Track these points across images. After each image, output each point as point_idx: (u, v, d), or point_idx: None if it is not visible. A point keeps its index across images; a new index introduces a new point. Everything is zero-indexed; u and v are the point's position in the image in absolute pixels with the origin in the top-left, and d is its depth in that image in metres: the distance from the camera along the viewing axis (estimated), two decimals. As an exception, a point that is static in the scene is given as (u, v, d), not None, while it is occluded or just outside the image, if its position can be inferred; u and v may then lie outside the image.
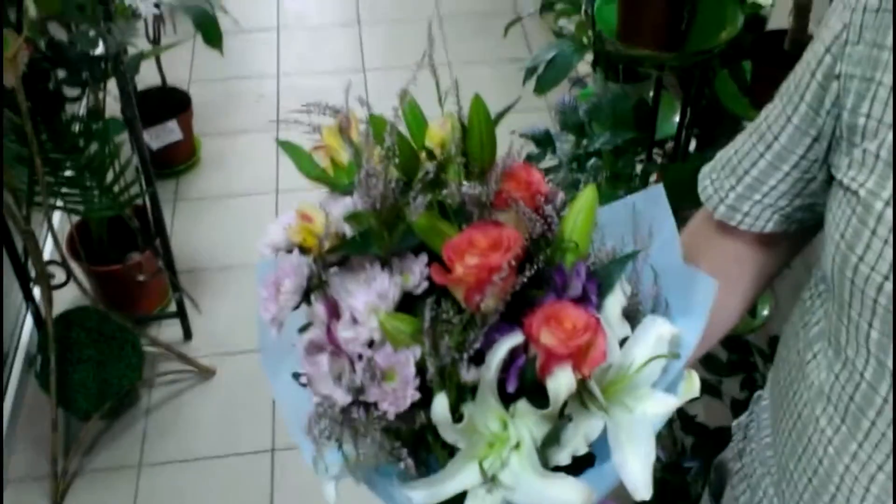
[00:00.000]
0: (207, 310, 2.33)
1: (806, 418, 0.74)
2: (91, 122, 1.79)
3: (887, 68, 0.62)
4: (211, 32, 1.93)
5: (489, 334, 0.60)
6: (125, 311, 2.11)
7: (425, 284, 0.60)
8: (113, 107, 1.92)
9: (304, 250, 0.63)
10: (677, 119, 1.60)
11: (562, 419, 0.61)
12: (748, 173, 0.76)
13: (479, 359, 0.60)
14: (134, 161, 1.92)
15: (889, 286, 0.62)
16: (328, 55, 3.25)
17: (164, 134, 2.63)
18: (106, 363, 1.99)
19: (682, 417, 1.46)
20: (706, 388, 1.42)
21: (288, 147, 0.65)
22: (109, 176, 1.89)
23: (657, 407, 0.65)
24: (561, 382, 0.59)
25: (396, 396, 0.58)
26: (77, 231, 2.09)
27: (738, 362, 1.39)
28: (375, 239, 0.60)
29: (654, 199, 0.71)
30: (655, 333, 0.66)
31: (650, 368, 0.65)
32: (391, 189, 0.58)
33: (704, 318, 0.65)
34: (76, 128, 1.80)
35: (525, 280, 0.59)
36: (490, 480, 0.61)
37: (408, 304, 0.61)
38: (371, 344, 0.59)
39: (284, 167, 2.77)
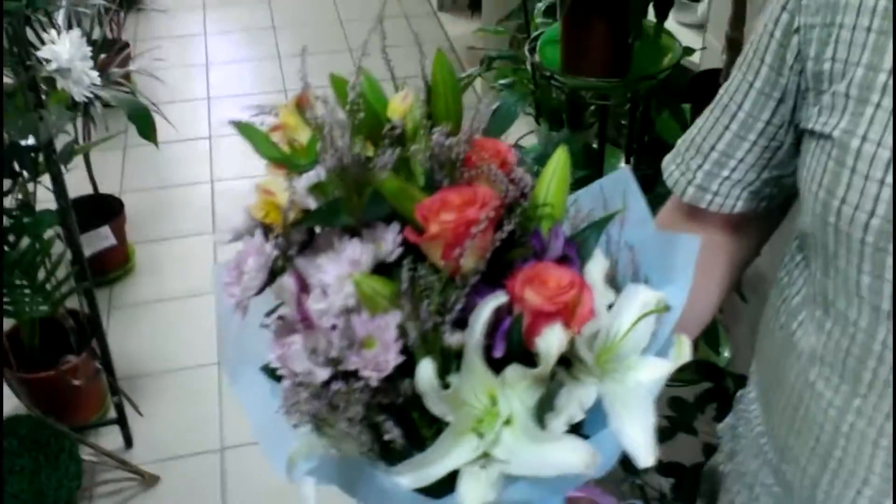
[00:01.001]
0: (149, 414, 2.22)
1: (801, 388, 0.71)
2: (23, 216, 1.73)
3: (847, 10, 0.63)
4: (145, 125, 1.91)
5: (470, 298, 0.56)
6: (62, 420, 1.99)
7: (399, 251, 0.57)
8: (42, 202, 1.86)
9: (266, 231, 0.59)
10: (622, 163, 1.62)
11: (553, 382, 0.58)
12: (714, 149, 0.76)
13: (462, 324, 0.56)
14: (67, 256, 1.85)
15: (876, 222, 0.61)
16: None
17: (97, 240, 2.56)
18: (41, 473, 1.87)
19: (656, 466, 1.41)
20: (676, 427, 1.39)
21: (244, 128, 0.62)
22: (41, 274, 1.82)
23: (651, 373, 0.61)
24: (552, 340, 0.56)
25: (378, 361, 0.53)
26: (7, 336, 1.99)
27: (710, 391, 1.36)
28: (343, 206, 0.57)
29: (622, 181, 0.70)
30: (640, 300, 0.63)
31: (638, 334, 0.62)
32: (357, 151, 0.56)
33: (689, 278, 0.63)
34: (6, 223, 1.73)
35: (503, 237, 0.57)
36: (484, 456, 0.57)
37: (382, 274, 0.57)
38: (347, 313, 0.55)
39: (223, 267, 2.72)
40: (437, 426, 0.57)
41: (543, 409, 0.57)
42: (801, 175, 0.68)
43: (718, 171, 0.76)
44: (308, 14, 4.12)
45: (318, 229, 0.60)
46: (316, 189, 0.58)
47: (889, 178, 0.60)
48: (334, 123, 0.55)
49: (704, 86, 1.44)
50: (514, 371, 0.56)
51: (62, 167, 1.69)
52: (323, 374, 0.54)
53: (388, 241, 0.57)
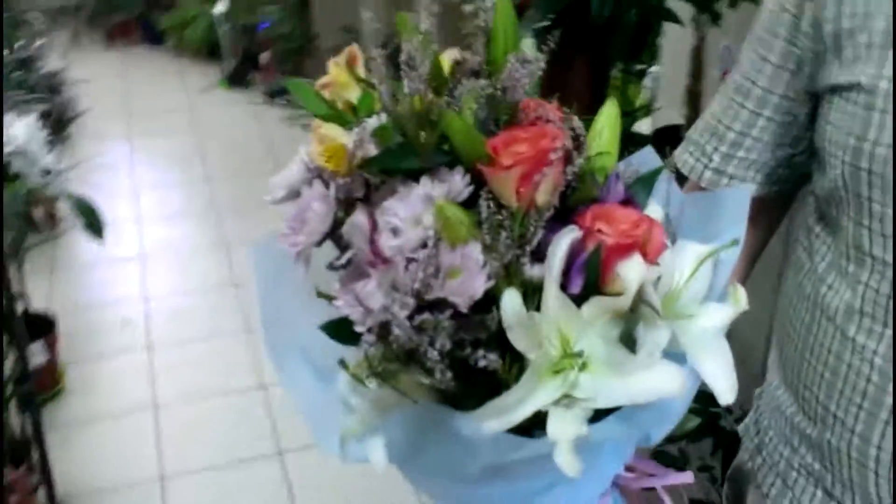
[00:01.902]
0: (87, 535, 2.07)
1: (839, 349, 0.71)
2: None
3: None
4: (91, 219, 1.86)
5: (545, 234, 0.55)
6: (-6, 541, 1.83)
7: (469, 190, 0.56)
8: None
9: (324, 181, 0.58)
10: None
11: (631, 320, 0.56)
12: (730, 129, 0.78)
13: (539, 259, 0.55)
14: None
15: None
16: (195, 274, 3.19)
17: (28, 358, 2.44)
18: None
19: None
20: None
21: (294, 85, 0.61)
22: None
23: (714, 318, 0.61)
24: (633, 268, 0.55)
25: (465, 287, 0.51)
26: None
27: (704, 426, 1.34)
28: (414, 146, 0.56)
29: (645, 157, 0.71)
30: (693, 252, 0.63)
31: (697, 284, 0.62)
32: (426, 83, 0.55)
33: (743, 228, 0.63)
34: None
35: (575, 171, 0.57)
36: (566, 397, 0.54)
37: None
38: (424, 246, 0.54)
39: (162, 383, 2.62)
40: (518, 366, 0.55)
41: (626, 343, 0.55)
42: (826, 134, 0.70)
43: (735, 151, 0.78)
44: (236, 137, 4.15)
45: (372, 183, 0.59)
46: (380, 133, 0.57)
47: None
48: (407, 62, 0.55)
49: (665, 141, 1.49)
50: (594, 304, 0.55)
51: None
52: (406, 306, 0.52)
53: (457, 181, 0.56)
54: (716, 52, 1.52)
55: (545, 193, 0.55)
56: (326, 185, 0.57)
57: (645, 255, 0.56)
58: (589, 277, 0.55)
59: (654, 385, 0.53)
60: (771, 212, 0.84)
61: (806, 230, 0.79)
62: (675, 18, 1.46)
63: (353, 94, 0.62)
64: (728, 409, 1.39)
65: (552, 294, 0.54)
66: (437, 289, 0.51)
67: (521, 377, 0.54)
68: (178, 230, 3.48)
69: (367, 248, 0.54)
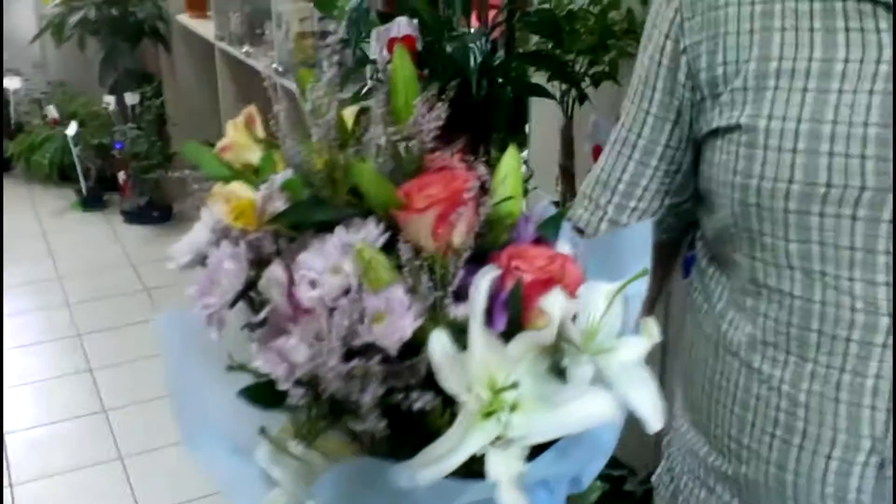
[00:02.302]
0: None
1: (746, 382, 0.74)
2: None
3: (728, 21, 0.72)
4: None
5: (465, 275, 0.55)
6: None
7: (383, 239, 0.55)
8: None
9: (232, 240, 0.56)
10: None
11: (556, 354, 0.56)
12: (621, 180, 0.81)
13: (460, 299, 0.55)
14: None
15: (795, 187, 0.67)
16: (59, 403, 3.00)
17: None
18: None
19: None
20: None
21: (190, 149, 0.60)
22: None
23: (632, 351, 0.62)
24: (554, 301, 0.56)
25: (394, 329, 0.50)
26: None
27: (610, 492, 1.33)
28: (320, 199, 0.56)
29: (545, 208, 0.72)
30: (602, 291, 0.64)
31: (612, 319, 0.63)
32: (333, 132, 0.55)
33: (648, 259, 0.65)
34: None
35: (488, 212, 0.57)
36: (500, 439, 0.53)
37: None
38: (345, 294, 0.52)
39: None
40: (449, 412, 0.53)
41: (556, 374, 0.55)
42: (713, 177, 0.74)
43: (627, 202, 0.81)
44: (95, 259, 4.00)
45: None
46: (288, 187, 0.56)
47: (801, 145, 0.67)
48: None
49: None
50: (520, 340, 0.55)
51: None
52: (333, 355, 0.50)
53: (371, 229, 0.55)
54: (585, 128, 1.59)
55: (461, 234, 0.55)
56: (236, 244, 0.55)
57: (564, 288, 0.56)
58: (512, 314, 0.55)
59: (588, 412, 0.53)
60: (663, 259, 0.87)
61: (699, 274, 0.82)
62: (546, 93, 1.53)
63: (254, 155, 0.61)
64: (632, 471, 1.40)
65: (478, 333, 0.53)
66: (364, 334, 0.50)
67: (452, 422, 0.53)
68: (38, 359, 3.29)
69: (286, 301, 0.52)
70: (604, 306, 0.63)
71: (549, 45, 1.52)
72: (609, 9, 1.43)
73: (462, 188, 0.55)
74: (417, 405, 0.50)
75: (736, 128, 0.71)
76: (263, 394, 0.56)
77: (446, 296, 0.53)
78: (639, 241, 0.66)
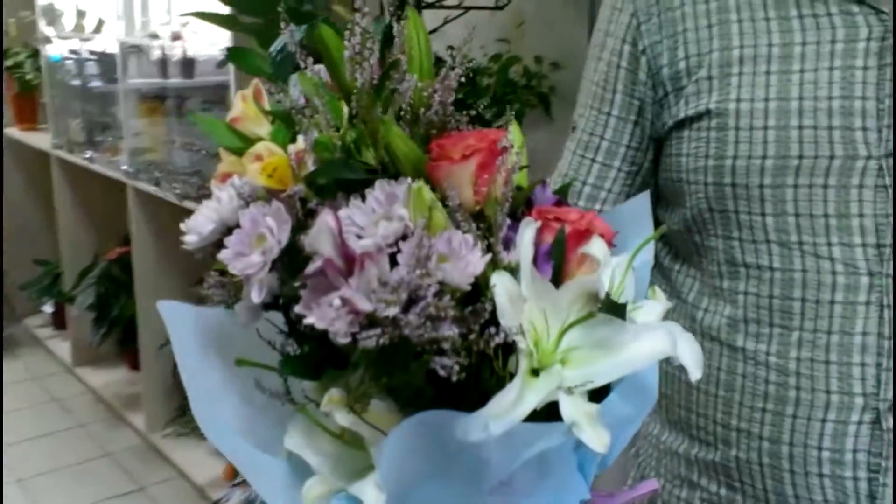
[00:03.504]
0: None
1: (730, 363, 0.76)
2: None
3: (685, 19, 0.76)
4: None
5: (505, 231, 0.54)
6: None
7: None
8: None
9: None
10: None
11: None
12: (586, 183, 0.82)
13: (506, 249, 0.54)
14: None
15: (769, 162, 0.70)
16: None
17: None
18: None
19: None
20: None
21: (202, 119, 0.57)
22: None
23: (652, 314, 0.62)
24: (597, 247, 0.56)
25: (466, 262, 0.49)
26: None
27: None
28: (350, 161, 0.54)
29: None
30: (613, 263, 0.65)
31: (627, 288, 0.63)
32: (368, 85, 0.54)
33: (650, 228, 0.66)
34: None
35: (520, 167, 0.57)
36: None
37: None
38: (398, 242, 0.50)
39: None
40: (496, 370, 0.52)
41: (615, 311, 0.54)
42: (683, 166, 0.77)
43: (592, 204, 0.82)
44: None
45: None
46: (320, 147, 0.54)
47: (771, 122, 0.71)
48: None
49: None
50: (570, 287, 0.54)
51: None
52: (402, 298, 0.48)
53: (401, 191, 0.54)
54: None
55: (502, 185, 0.54)
56: (268, 205, 0.52)
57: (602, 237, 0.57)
58: (556, 262, 0.55)
59: (649, 349, 0.53)
60: None
61: (661, 275, 0.84)
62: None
63: (262, 128, 0.58)
64: None
65: (530, 278, 0.52)
66: (434, 272, 0.48)
67: (501, 382, 0.51)
68: None
69: (338, 252, 0.50)
70: (620, 276, 0.64)
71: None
72: (507, 66, 1.49)
73: (497, 139, 0.55)
74: (496, 340, 0.48)
75: (705, 114, 0.74)
76: (303, 364, 0.53)
77: (497, 242, 0.52)
78: (639, 214, 0.67)
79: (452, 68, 0.57)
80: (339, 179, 0.54)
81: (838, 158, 0.71)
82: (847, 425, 0.72)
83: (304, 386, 0.56)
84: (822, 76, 0.72)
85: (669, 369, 0.83)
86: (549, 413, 0.51)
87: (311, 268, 0.50)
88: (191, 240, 0.54)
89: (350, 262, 0.50)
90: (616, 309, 0.54)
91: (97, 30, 3.56)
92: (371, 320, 0.48)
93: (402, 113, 0.57)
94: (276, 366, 0.58)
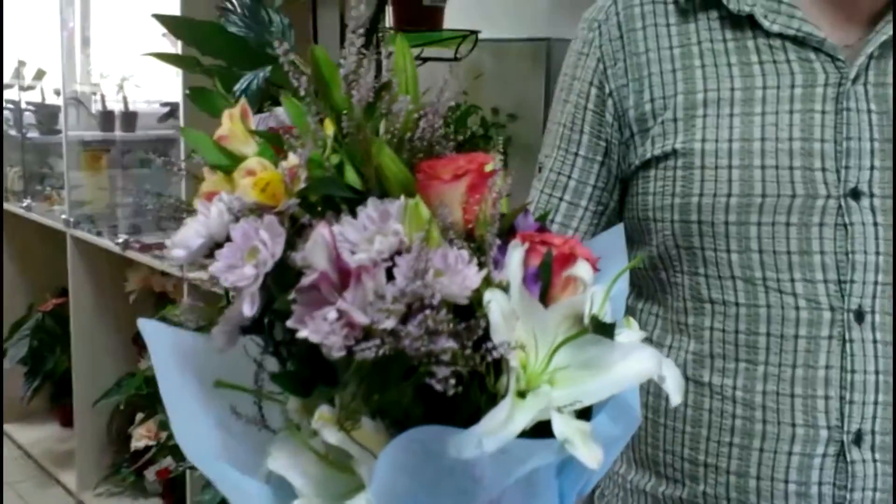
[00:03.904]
0: None
1: (696, 399, 0.77)
2: None
3: (651, 64, 0.79)
4: None
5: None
6: None
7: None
8: None
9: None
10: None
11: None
12: (553, 221, 0.84)
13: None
14: None
15: (733, 200, 0.73)
16: None
17: None
18: None
19: None
20: None
21: (190, 134, 0.57)
22: None
23: (631, 339, 0.63)
24: (583, 269, 0.57)
25: (463, 276, 0.49)
26: None
27: None
28: (339, 179, 0.54)
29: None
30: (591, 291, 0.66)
31: (606, 317, 0.64)
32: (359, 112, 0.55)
33: (625, 258, 0.67)
34: None
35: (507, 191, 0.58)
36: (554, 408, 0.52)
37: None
38: (395, 257, 0.50)
39: None
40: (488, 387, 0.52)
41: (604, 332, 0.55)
42: (649, 205, 0.79)
43: None
44: None
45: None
46: (312, 164, 0.54)
47: (735, 162, 0.74)
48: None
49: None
50: (557, 308, 0.55)
51: None
52: (396, 313, 0.48)
53: (394, 209, 0.54)
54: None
55: (491, 205, 0.55)
56: (259, 220, 0.52)
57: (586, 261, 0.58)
58: (543, 284, 0.55)
59: (637, 369, 0.53)
60: None
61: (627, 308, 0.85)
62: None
63: (248, 147, 0.59)
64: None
65: (520, 297, 0.53)
66: (432, 286, 0.48)
67: (491, 399, 0.51)
68: None
69: (332, 266, 0.49)
70: (598, 305, 0.65)
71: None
72: (466, 115, 1.51)
73: (486, 162, 0.56)
74: (494, 356, 0.48)
75: (671, 154, 0.77)
76: (294, 380, 0.52)
77: (489, 260, 0.53)
78: (613, 245, 0.69)
79: (443, 92, 0.58)
80: (328, 198, 0.55)
81: (799, 197, 0.74)
82: (812, 458, 0.74)
83: (288, 406, 0.56)
84: (783, 119, 0.75)
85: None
86: (537, 434, 0.51)
87: (307, 280, 0.50)
88: (178, 254, 0.53)
89: (345, 276, 0.50)
90: (604, 329, 0.54)
91: (37, 79, 3.52)
92: (367, 333, 0.48)
93: (391, 136, 0.57)
94: (253, 389, 0.58)
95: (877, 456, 0.74)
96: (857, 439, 0.74)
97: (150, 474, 2.71)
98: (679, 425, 0.79)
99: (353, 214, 0.53)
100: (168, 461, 2.58)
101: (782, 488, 0.74)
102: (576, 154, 0.84)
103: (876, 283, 0.74)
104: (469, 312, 0.51)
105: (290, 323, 0.50)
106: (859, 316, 0.74)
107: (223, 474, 0.54)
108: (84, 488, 2.92)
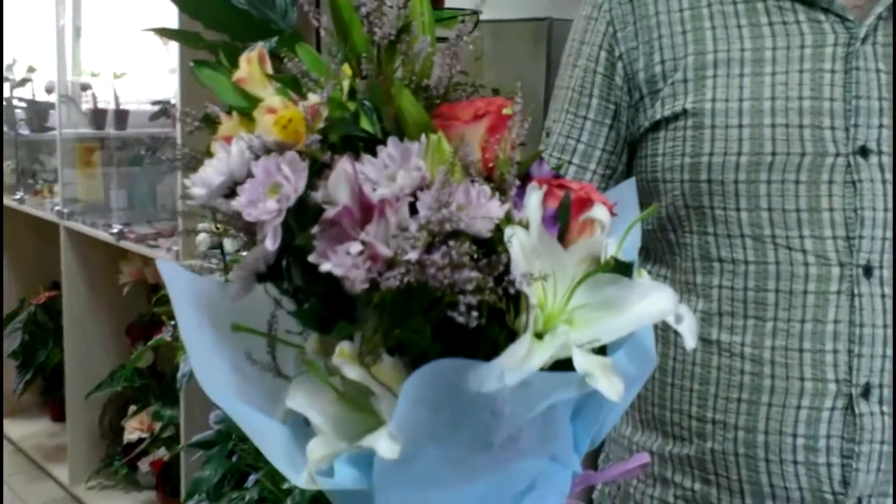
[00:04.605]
0: None
1: (705, 358, 0.78)
2: None
3: (661, 27, 0.80)
4: None
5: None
6: None
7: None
8: None
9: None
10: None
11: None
12: None
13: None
14: None
15: (743, 159, 0.74)
16: None
17: None
18: None
19: None
20: None
21: (205, 73, 0.57)
22: None
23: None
24: (601, 212, 0.57)
25: (487, 210, 0.49)
26: None
27: None
28: (365, 121, 0.54)
29: None
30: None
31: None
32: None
33: (636, 210, 0.68)
34: None
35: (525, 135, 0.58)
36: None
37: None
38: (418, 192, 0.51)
39: None
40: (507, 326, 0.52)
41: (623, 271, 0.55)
42: (658, 165, 0.79)
43: None
44: None
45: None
46: (333, 103, 0.54)
47: (745, 121, 0.74)
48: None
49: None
50: (576, 249, 0.55)
51: None
52: (419, 246, 0.48)
53: (415, 147, 0.55)
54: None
55: (508, 149, 0.56)
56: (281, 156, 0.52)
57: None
58: (561, 225, 0.56)
59: (654, 308, 0.54)
60: None
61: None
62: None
63: (265, 91, 0.59)
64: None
65: (538, 237, 0.53)
66: (455, 219, 0.48)
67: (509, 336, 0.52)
68: None
69: (355, 200, 0.50)
70: (613, 252, 0.65)
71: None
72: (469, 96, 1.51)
73: (504, 105, 0.56)
74: (515, 288, 0.49)
75: (681, 114, 0.77)
76: (315, 315, 0.52)
77: (510, 198, 0.53)
78: (625, 198, 0.69)
79: (459, 38, 0.59)
80: (347, 140, 0.55)
81: (808, 155, 0.75)
82: (821, 411, 0.74)
83: (307, 347, 0.56)
84: (793, 78, 0.76)
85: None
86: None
87: (330, 213, 0.50)
88: (198, 192, 0.53)
89: (367, 211, 0.50)
90: (623, 268, 0.55)
91: (27, 76, 3.50)
92: (390, 267, 0.48)
93: (410, 81, 0.58)
94: (268, 334, 0.58)
95: (885, 409, 0.75)
96: (866, 392, 0.75)
97: (143, 466, 2.70)
98: (687, 383, 0.79)
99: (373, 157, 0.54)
100: (162, 452, 2.57)
101: (790, 442, 0.75)
102: (584, 118, 0.85)
103: (884, 238, 0.75)
104: (490, 251, 0.51)
105: (311, 258, 0.50)
106: (867, 271, 0.75)
107: (243, 412, 0.54)
108: (76, 482, 2.90)
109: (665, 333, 0.81)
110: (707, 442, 0.78)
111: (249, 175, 0.52)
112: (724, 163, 0.75)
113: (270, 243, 0.50)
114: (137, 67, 2.96)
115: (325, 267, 0.49)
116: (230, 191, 0.53)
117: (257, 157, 0.53)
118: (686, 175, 0.77)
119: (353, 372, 0.52)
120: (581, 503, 0.70)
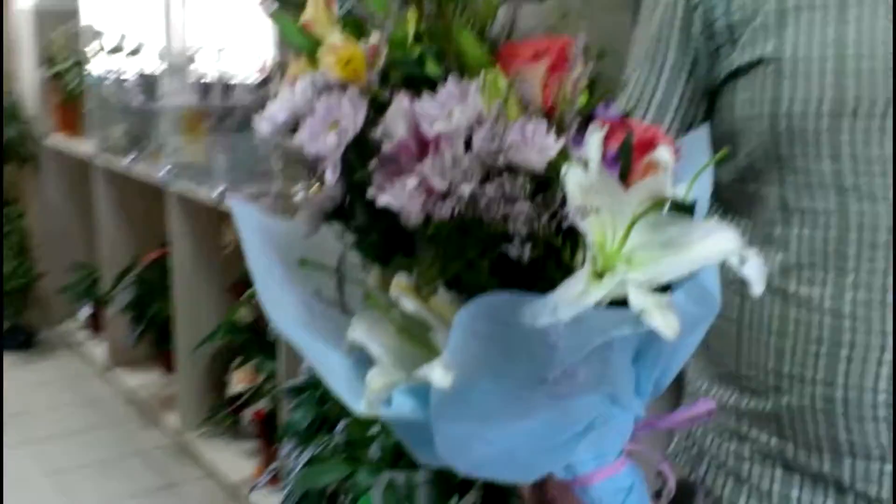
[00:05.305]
0: None
1: (782, 310, 0.76)
2: None
3: None
4: None
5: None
6: None
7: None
8: None
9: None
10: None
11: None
12: None
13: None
14: None
15: (826, 106, 0.71)
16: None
17: None
18: None
19: None
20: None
21: (278, 18, 0.58)
22: None
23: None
24: (664, 154, 0.56)
25: (542, 146, 0.50)
26: None
27: None
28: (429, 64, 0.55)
29: None
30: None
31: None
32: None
33: (706, 156, 0.66)
34: None
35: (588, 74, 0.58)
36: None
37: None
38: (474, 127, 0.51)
39: None
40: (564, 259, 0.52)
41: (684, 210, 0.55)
42: (737, 114, 0.77)
43: None
44: None
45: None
46: (396, 43, 0.55)
47: (828, 66, 0.71)
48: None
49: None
50: (637, 188, 0.54)
51: None
52: (474, 179, 0.49)
53: (473, 86, 0.55)
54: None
55: (572, 86, 0.55)
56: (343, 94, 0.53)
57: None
58: (623, 165, 0.55)
59: (716, 248, 0.53)
60: None
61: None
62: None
63: (333, 33, 0.60)
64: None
65: (598, 175, 0.53)
66: (509, 153, 0.49)
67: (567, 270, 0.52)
68: None
69: (412, 135, 0.51)
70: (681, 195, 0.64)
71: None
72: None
73: (568, 44, 0.56)
74: (568, 222, 0.49)
75: (760, 62, 0.75)
76: (375, 246, 0.54)
77: (569, 137, 0.53)
78: (697, 147, 0.68)
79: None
80: (408, 80, 0.56)
81: (893, 100, 0.72)
82: None
83: (368, 281, 0.57)
84: (879, 23, 0.72)
85: (719, 322, 0.83)
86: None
87: (388, 147, 0.51)
88: (264, 128, 0.55)
89: (423, 147, 0.51)
90: (685, 208, 0.54)
91: (136, 50, 3.62)
92: (444, 199, 0.49)
93: (471, 24, 0.58)
94: (334, 270, 0.59)
95: None
96: None
97: (246, 416, 2.80)
98: (763, 337, 0.78)
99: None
100: (264, 403, 2.66)
101: (870, 399, 0.72)
102: (661, 69, 0.83)
103: None
104: (546, 189, 0.51)
105: (370, 192, 0.51)
106: None
107: (308, 342, 0.56)
108: (186, 429, 3.04)
109: (743, 288, 0.79)
110: (784, 398, 0.77)
111: (312, 112, 0.53)
112: (804, 111, 0.73)
113: (331, 176, 0.52)
114: (242, 39, 3.04)
115: (383, 200, 0.50)
116: (294, 127, 0.55)
117: (320, 95, 0.54)
118: (766, 124, 0.75)
119: (410, 304, 0.53)
120: (655, 451, 0.70)
